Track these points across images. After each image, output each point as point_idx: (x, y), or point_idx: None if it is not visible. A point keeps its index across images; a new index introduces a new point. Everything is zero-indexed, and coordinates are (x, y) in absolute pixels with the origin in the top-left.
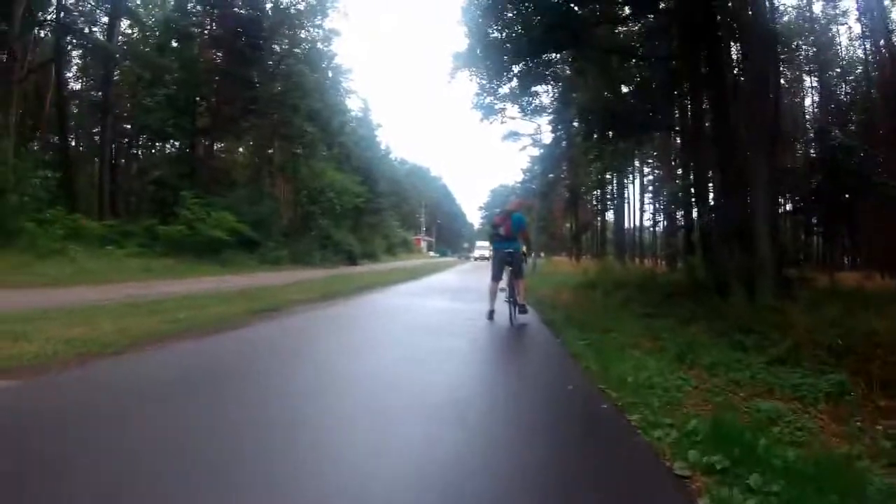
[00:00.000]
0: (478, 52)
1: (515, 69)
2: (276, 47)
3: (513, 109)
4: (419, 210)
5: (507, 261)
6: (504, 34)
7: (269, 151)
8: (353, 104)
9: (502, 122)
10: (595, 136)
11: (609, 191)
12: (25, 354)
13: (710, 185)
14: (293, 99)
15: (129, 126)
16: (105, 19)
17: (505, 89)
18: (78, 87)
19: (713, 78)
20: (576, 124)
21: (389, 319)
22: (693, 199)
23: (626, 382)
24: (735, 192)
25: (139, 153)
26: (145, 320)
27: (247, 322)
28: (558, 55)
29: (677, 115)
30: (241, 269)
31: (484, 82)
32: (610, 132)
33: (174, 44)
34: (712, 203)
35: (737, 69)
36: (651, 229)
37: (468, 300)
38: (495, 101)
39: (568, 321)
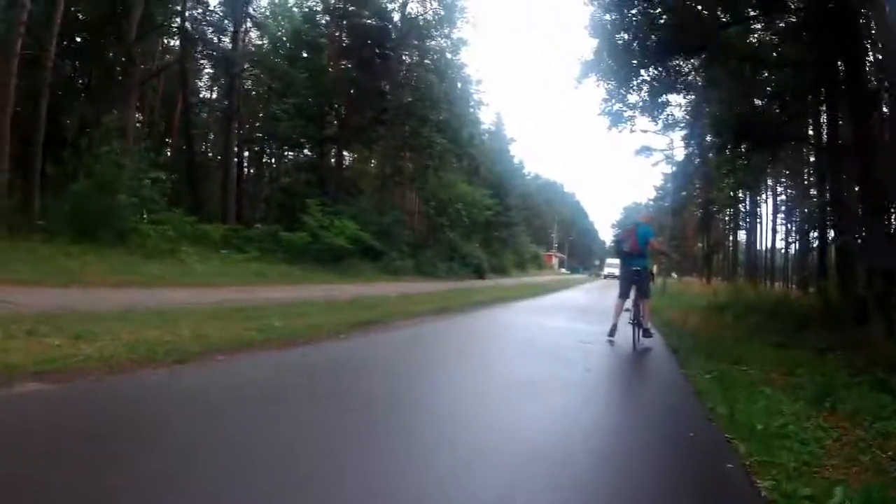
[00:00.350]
0: (604, 55)
1: (644, 74)
2: (405, 57)
3: (643, 120)
4: (551, 226)
5: (634, 279)
6: (630, 35)
7: (398, 162)
8: (484, 117)
9: (632, 131)
10: (728, 148)
11: (741, 209)
12: (76, 356)
13: (848, 201)
14: (422, 109)
15: (260, 135)
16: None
17: (634, 97)
18: (213, 95)
19: (852, 83)
20: (708, 138)
21: (499, 339)
22: (829, 218)
23: (757, 430)
24: (878, 210)
25: (270, 161)
26: (232, 326)
27: (343, 334)
28: (689, 63)
29: (812, 126)
30: (360, 279)
31: (612, 87)
32: (743, 145)
33: (304, 54)
34: (851, 221)
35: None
36: (783, 251)
37: (590, 320)
38: (624, 109)
39: (694, 348)
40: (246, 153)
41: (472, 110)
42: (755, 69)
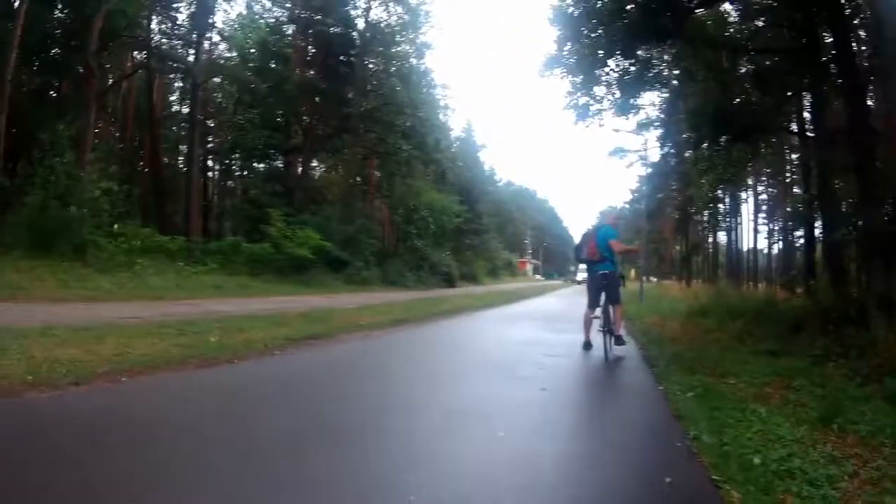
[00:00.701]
0: (569, 45)
1: (612, 64)
2: (370, 64)
3: (613, 117)
4: (525, 232)
5: (602, 284)
6: (595, 22)
7: (364, 170)
8: (453, 123)
9: (600, 126)
10: (706, 143)
11: (721, 208)
12: None
13: (837, 192)
14: (387, 115)
15: (226, 146)
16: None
17: (602, 90)
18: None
19: (842, 63)
20: (684, 135)
21: (451, 355)
22: (817, 213)
23: (753, 467)
24: (875, 199)
25: (242, 173)
26: (161, 342)
27: (277, 350)
28: (661, 55)
29: (795, 115)
30: (324, 290)
31: (577, 81)
32: (722, 138)
33: (271, 65)
34: (844, 212)
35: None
36: (765, 251)
37: (559, 329)
38: (591, 102)
39: (675, 359)
40: (217, 166)
41: (438, 115)
42: (732, 57)
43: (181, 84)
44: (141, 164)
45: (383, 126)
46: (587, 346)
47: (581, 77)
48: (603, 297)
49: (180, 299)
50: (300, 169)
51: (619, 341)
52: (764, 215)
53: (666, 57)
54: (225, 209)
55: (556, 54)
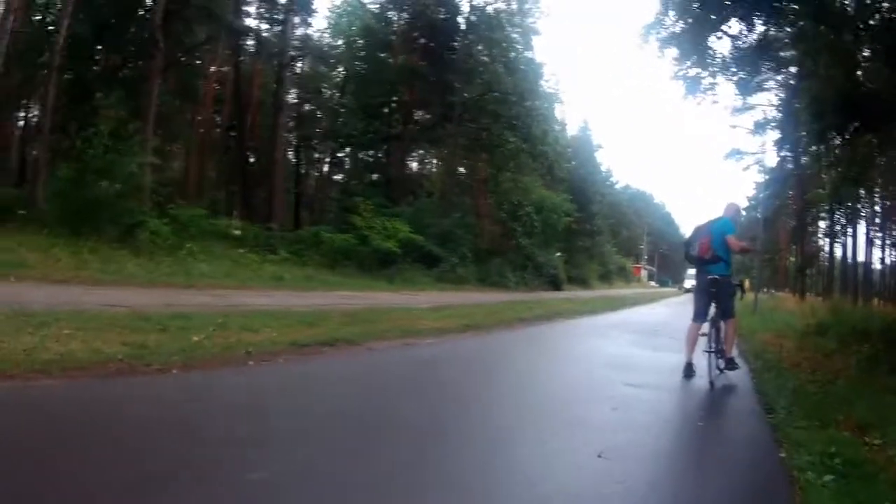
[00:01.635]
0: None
1: (725, 28)
2: (473, 50)
3: (729, 90)
4: (641, 237)
5: (711, 291)
6: None
7: (467, 162)
8: (563, 115)
9: (714, 102)
10: (830, 135)
11: (842, 214)
12: None
13: None
14: (491, 104)
15: (318, 131)
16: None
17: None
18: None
19: None
20: (804, 130)
21: (511, 378)
22: None
23: None
24: None
25: (336, 162)
26: (100, 337)
27: (266, 358)
28: (781, 35)
29: None
30: (409, 287)
31: (686, 47)
32: (849, 127)
33: (374, 50)
34: None
35: None
36: (880, 265)
37: (658, 345)
38: (702, 73)
39: (796, 398)
40: (316, 155)
41: (546, 106)
42: (856, 36)
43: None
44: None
45: (488, 116)
46: (688, 371)
47: (688, 44)
48: (713, 308)
49: (219, 287)
50: (399, 159)
51: (731, 365)
52: (878, 226)
53: (784, 37)
54: (318, 199)
55: (656, 20)
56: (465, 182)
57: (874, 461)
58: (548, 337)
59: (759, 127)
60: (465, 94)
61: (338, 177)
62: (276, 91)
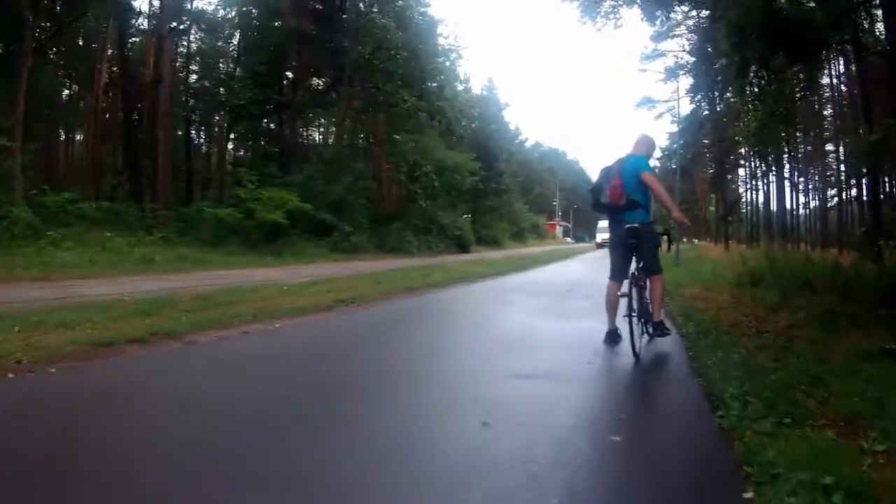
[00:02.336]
0: None
1: None
2: (363, 7)
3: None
4: (555, 194)
5: (630, 243)
6: None
7: (366, 127)
8: (462, 70)
9: (616, 28)
10: (753, 68)
11: (766, 162)
12: None
13: None
14: (383, 62)
15: (196, 103)
16: None
17: None
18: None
19: None
20: (719, 78)
21: (348, 378)
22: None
23: None
24: None
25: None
26: None
27: (18, 373)
28: None
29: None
30: (297, 260)
31: None
32: (775, 58)
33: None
34: None
35: None
36: (803, 210)
37: (570, 311)
38: None
39: (746, 374)
40: (204, 129)
41: (442, 61)
42: None
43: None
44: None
45: (381, 75)
46: (612, 338)
47: None
48: (633, 263)
49: (74, 278)
50: (291, 127)
51: (660, 331)
52: (800, 170)
53: None
54: (216, 175)
55: None
56: (359, 146)
57: (890, 485)
58: (434, 309)
59: (671, 73)
60: (356, 55)
61: (240, 152)
62: (155, 63)
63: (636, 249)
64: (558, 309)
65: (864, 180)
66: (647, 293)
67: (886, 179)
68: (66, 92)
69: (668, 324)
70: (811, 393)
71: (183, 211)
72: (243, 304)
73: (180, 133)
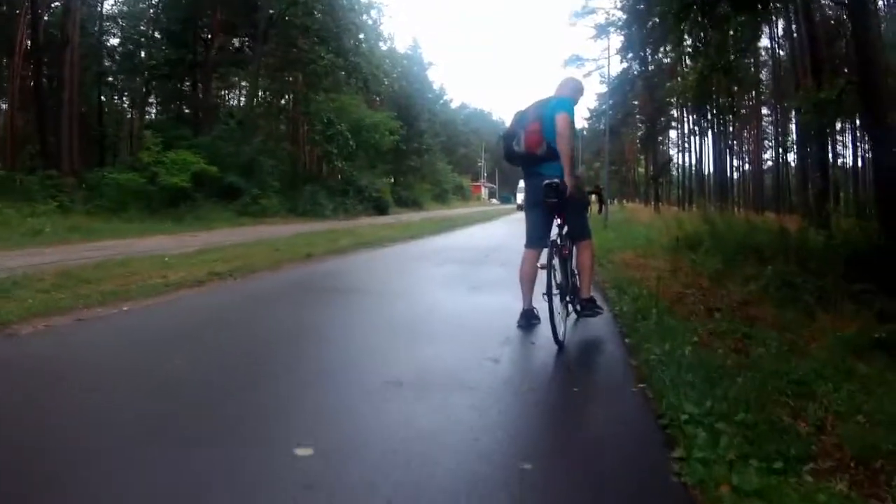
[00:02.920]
0: None
1: None
2: None
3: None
4: (480, 155)
5: (551, 202)
6: None
7: (273, 84)
8: (388, 31)
9: None
10: (692, 14)
11: (699, 117)
12: None
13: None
14: (299, 17)
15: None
16: None
17: None
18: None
19: None
20: (652, 27)
21: (136, 419)
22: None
23: None
24: None
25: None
26: None
27: None
28: None
29: None
30: (200, 226)
31: None
32: (714, 6)
33: None
34: None
35: None
36: (743, 170)
37: (479, 280)
38: None
39: (707, 382)
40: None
41: (359, 17)
42: None
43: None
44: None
45: (297, 31)
46: (528, 320)
47: None
48: (555, 228)
49: None
50: (204, 87)
51: (590, 308)
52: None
53: None
54: (131, 140)
55: None
56: (272, 105)
57: None
58: (321, 283)
59: (602, 30)
60: (270, 10)
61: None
62: (62, 25)
63: (558, 210)
64: (469, 279)
65: (808, 142)
66: (574, 263)
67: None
68: None
69: (599, 300)
70: (800, 410)
71: (86, 177)
72: (105, 281)
73: (103, 98)
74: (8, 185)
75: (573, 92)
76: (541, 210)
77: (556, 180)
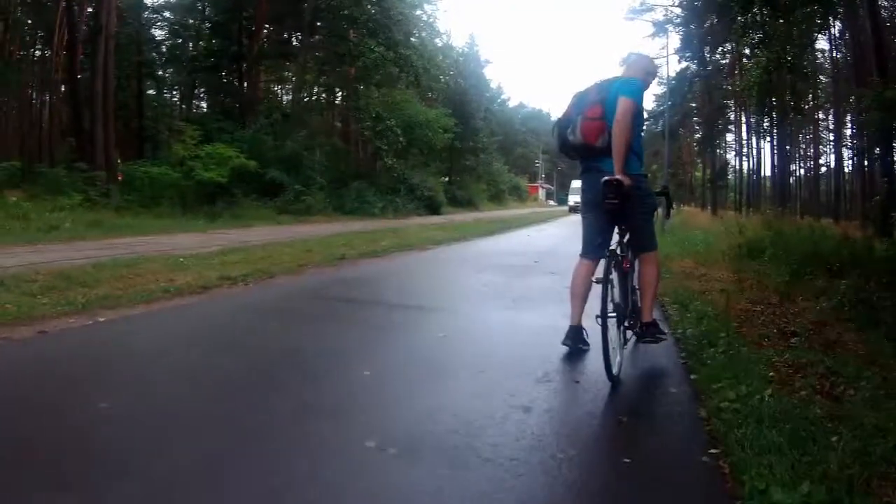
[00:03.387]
0: None
1: None
2: None
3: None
4: (537, 156)
5: (611, 204)
6: None
7: (324, 78)
8: (446, 26)
9: None
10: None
11: (761, 118)
12: None
13: None
14: (347, 7)
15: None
16: None
17: None
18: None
19: None
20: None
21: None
22: None
23: None
24: None
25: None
26: None
27: None
28: None
29: None
30: (236, 224)
31: None
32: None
33: None
34: None
35: None
36: (799, 174)
37: (522, 292)
38: None
39: (793, 436)
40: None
41: (412, 8)
42: None
43: None
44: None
45: (345, 22)
46: (574, 340)
47: None
48: (615, 234)
49: None
50: (250, 80)
51: (652, 333)
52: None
53: None
54: (155, 131)
55: None
56: (322, 100)
57: None
58: (340, 292)
59: (660, 27)
60: (317, 0)
61: (174, 102)
62: (96, 13)
63: (620, 214)
64: (512, 291)
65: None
66: (635, 279)
67: None
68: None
69: (663, 324)
70: None
71: (122, 171)
72: (102, 284)
73: (151, 92)
74: (32, 178)
75: (643, 73)
76: (599, 213)
77: (618, 178)
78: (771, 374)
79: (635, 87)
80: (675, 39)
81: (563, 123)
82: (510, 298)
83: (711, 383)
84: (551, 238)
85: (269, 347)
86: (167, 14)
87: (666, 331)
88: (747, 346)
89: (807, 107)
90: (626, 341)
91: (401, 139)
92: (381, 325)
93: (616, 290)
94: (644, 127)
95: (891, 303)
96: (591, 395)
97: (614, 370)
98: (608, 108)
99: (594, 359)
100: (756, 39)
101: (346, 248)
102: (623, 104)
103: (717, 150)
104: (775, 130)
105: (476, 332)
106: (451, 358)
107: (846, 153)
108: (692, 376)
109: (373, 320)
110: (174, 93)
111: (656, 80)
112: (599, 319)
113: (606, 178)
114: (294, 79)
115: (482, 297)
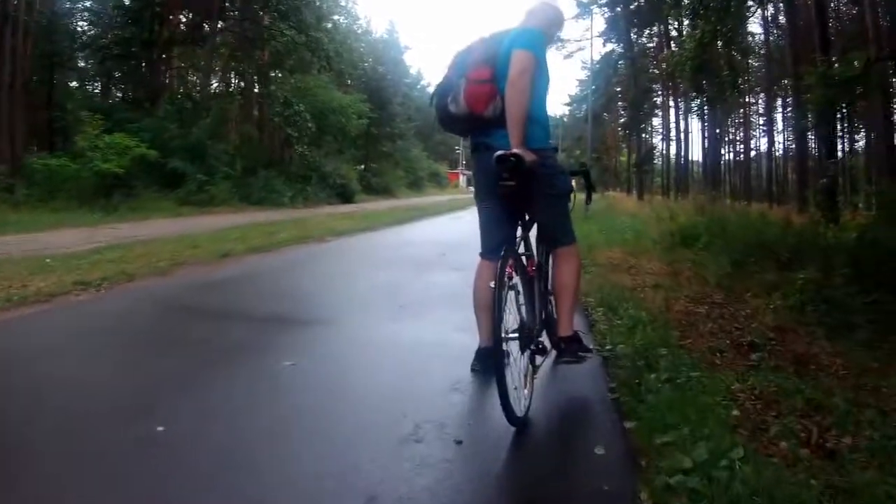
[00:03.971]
0: None
1: None
2: None
3: None
4: (458, 142)
5: (506, 186)
6: None
7: (233, 64)
8: (364, 14)
9: None
10: None
11: (690, 99)
12: None
13: None
14: None
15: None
16: None
17: None
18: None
19: None
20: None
21: None
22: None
23: None
24: None
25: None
26: None
27: None
28: None
29: None
30: (134, 216)
31: None
32: None
33: None
34: None
35: None
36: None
37: (431, 297)
38: None
39: None
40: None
41: None
42: None
43: None
44: None
45: (256, 3)
46: (484, 363)
47: None
48: (519, 229)
49: None
50: (158, 67)
51: (572, 350)
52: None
53: None
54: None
55: None
56: (232, 86)
57: None
58: (203, 300)
59: (584, 8)
60: None
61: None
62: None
63: (522, 199)
64: (405, 293)
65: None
66: (549, 282)
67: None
68: None
69: (585, 336)
70: None
71: (21, 164)
72: None
73: (72, 83)
74: None
75: (546, 22)
76: (496, 201)
77: (515, 152)
78: (735, 413)
79: (533, 37)
80: (599, 22)
81: (443, 90)
82: (402, 305)
83: (654, 435)
84: (465, 226)
85: (17, 403)
86: (86, 3)
87: (591, 346)
88: (697, 369)
89: (744, 85)
90: (535, 369)
91: (310, 125)
92: (213, 349)
93: (522, 299)
94: (549, 88)
95: (859, 301)
96: (476, 468)
97: (518, 411)
98: (500, 67)
99: (493, 394)
100: (690, 10)
101: (238, 241)
102: (518, 59)
103: (643, 135)
104: (706, 111)
105: (336, 357)
106: (282, 405)
107: (778, 137)
108: (626, 424)
109: (209, 342)
110: (96, 84)
111: (580, 65)
112: (493, 343)
113: (500, 153)
114: (202, 64)
115: (364, 302)
